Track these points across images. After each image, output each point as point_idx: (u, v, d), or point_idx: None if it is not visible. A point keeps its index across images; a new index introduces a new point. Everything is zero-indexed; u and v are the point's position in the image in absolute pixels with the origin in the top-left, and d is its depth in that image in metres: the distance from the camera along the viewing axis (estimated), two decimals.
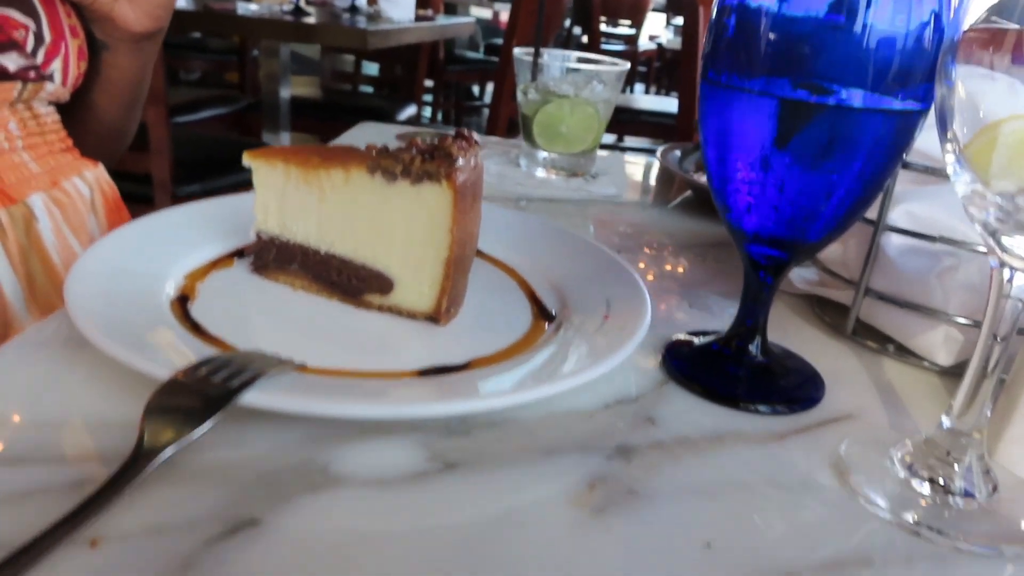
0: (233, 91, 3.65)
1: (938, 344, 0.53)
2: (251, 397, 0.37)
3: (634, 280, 0.55)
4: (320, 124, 2.98)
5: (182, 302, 0.49)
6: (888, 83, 0.40)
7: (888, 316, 0.56)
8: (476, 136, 0.51)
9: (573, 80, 0.88)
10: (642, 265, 0.71)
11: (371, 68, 4.41)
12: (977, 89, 0.36)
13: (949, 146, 0.37)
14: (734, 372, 0.50)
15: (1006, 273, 0.38)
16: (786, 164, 0.42)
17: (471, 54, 5.16)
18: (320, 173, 0.50)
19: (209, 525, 0.34)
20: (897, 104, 0.41)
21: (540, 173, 0.92)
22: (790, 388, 0.49)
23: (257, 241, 0.54)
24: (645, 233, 0.80)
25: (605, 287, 0.55)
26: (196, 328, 0.46)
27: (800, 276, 0.65)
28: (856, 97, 0.41)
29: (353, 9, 2.53)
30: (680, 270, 0.71)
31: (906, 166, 0.50)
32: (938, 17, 0.40)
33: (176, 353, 0.42)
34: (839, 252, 0.60)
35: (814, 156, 0.42)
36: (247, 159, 0.52)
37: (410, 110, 3.24)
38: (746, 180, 0.44)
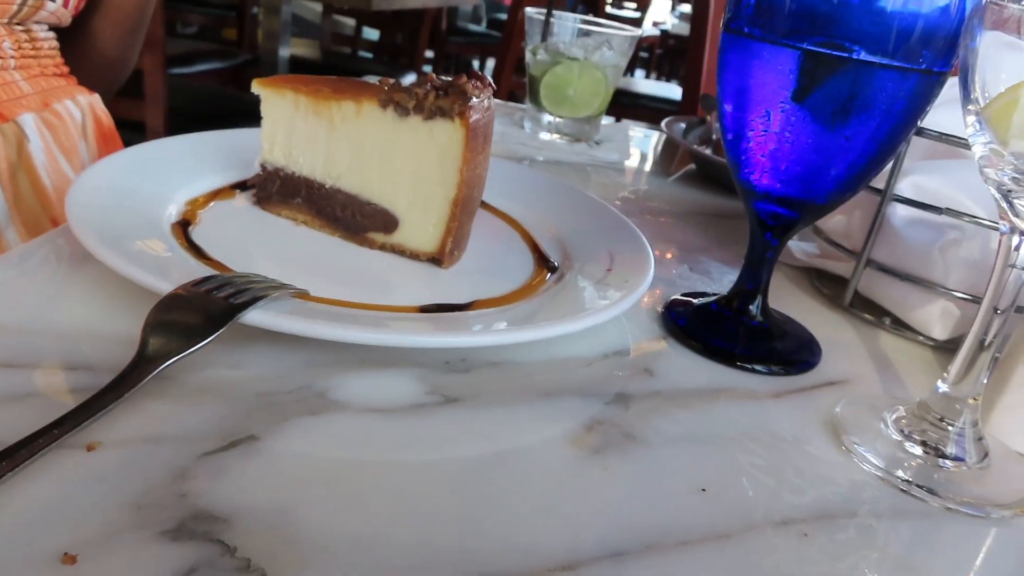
0: (231, 47, 3.60)
1: (935, 318, 0.53)
2: (253, 316, 0.37)
3: (637, 236, 0.55)
4: None
5: (183, 226, 0.48)
6: (911, 46, 0.40)
7: (886, 289, 0.56)
8: (490, 80, 0.51)
9: (583, 43, 0.87)
10: (643, 229, 0.71)
11: (372, 34, 4.35)
12: (1001, 53, 0.36)
13: (971, 107, 0.36)
14: (733, 332, 0.50)
15: (1015, 240, 0.38)
16: (803, 119, 0.42)
17: (473, 27, 5.12)
18: (331, 104, 0.49)
19: (205, 438, 0.33)
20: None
21: (544, 136, 0.91)
22: (787, 351, 0.50)
23: (261, 172, 0.54)
24: (647, 200, 0.80)
25: (608, 241, 0.55)
26: (197, 251, 0.45)
27: (800, 248, 0.65)
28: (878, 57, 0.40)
29: None
30: (681, 236, 0.71)
31: (920, 133, 0.50)
32: None
33: (177, 270, 0.41)
34: (843, 223, 0.60)
35: (832, 112, 0.42)
36: (256, 86, 0.51)
37: (410, 79, 3.21)
38: (761, 135, 0.44)
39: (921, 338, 0.55)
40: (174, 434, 0.33)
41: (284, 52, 2.65)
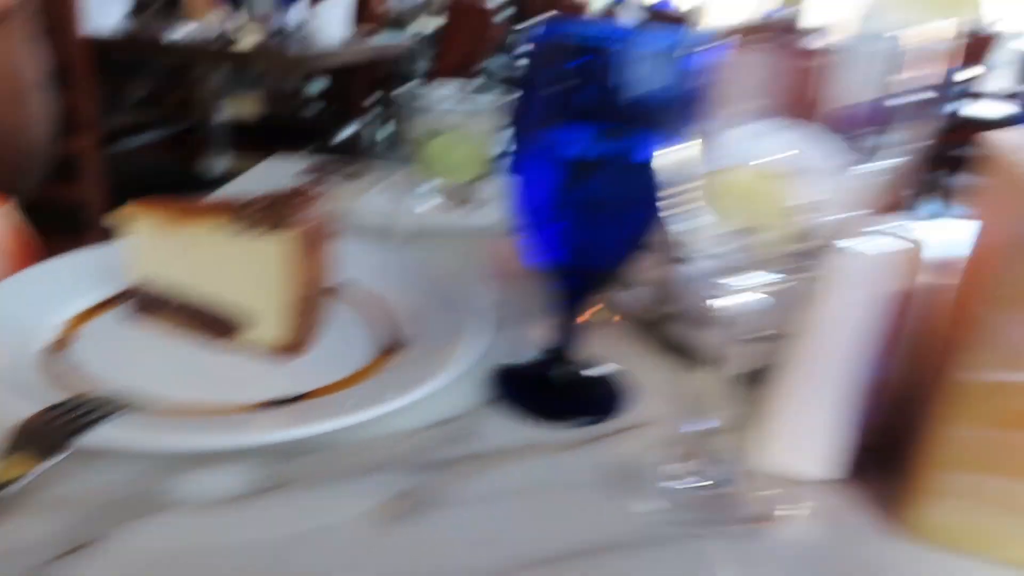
0: (176, 111, 3.67)
1: (726, 355, 0.60)
2: (86, 439, 0.43)
3: (479, 307, 0.62)
4: (262, 144, 3.02)
5: (58, 347, 0.55)
6: (644, 129, 0.46)
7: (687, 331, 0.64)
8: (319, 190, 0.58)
9: (455, 115, 0.95)
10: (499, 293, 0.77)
11: (316, 83, 4.44)
12: (723, 134, 0.41)
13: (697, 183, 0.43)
14: (548, 390, 0.57)
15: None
16: (567, 213, 0.50)
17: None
18: (183, 226, 0.57)
19: (48, 548, 0.39)
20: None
21: (427, 202, 0.98)
22: (597, 401, 0.56)
23: (131, 288, 0.61)
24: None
25: (452, 315, 0.61)
26: (67, 374, 0.52)
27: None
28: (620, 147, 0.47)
29: (280, 33, 2.55)
30: (529, 295, 0.77)
31: None
32: (683, 72, 0.44)
33: (34, 398, 0.47)
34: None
35: (589, 207, 0.49)
36: (112, 219, 0.58)
37: (354, 127, 3.30)
38: (538, 224, 0.51)
39: (719, 373, 0.61)
40: (14, 548, 0.39)
41: (221, 117, 2.73)
